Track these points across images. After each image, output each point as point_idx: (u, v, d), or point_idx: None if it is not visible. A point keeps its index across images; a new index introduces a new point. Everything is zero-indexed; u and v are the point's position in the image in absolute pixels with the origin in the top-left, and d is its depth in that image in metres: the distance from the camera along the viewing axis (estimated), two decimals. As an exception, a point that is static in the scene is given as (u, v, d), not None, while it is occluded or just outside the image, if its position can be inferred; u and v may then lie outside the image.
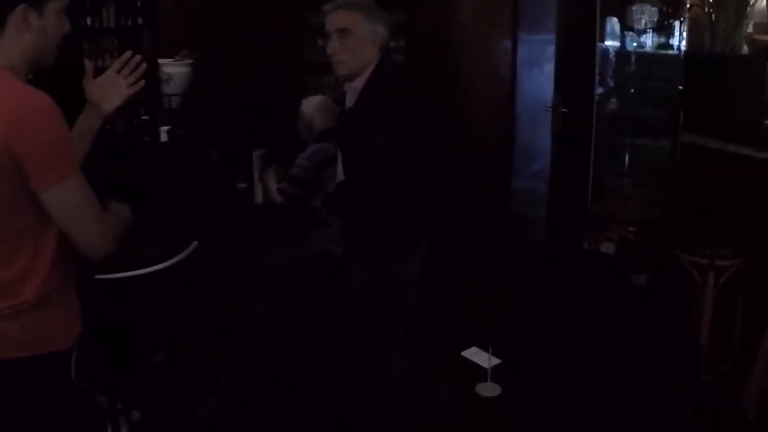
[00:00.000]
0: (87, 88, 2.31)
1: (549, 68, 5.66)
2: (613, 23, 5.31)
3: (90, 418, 2.32)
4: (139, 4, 5.40)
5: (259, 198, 4.41)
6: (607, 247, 4.72)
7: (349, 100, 3.48)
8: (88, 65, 2.33)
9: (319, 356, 3.74)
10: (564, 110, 5.23)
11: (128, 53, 2.36)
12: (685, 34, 5.05)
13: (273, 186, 4.03)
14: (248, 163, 4.48)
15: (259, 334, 4.34)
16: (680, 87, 4.98)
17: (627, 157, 5.49)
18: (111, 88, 2.33)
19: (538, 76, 5.84)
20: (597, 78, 5.27)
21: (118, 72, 2.34)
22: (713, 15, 4.71)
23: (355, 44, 3.34)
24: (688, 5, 4.92)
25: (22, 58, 2.05)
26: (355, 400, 3.45)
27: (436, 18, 5.66)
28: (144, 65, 2.37)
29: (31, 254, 2.06)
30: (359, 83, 3.40)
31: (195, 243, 3.80)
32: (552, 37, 5.51)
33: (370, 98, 3.34)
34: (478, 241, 5.27)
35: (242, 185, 4.56)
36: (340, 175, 3.53)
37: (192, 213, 4.24)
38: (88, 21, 5.20)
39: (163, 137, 5.37)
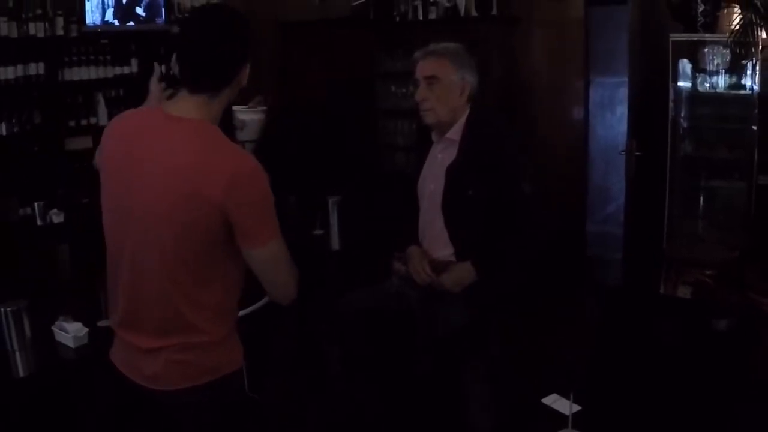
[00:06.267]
0: None
1: (621, 110, 5.68)
2: (685, 65, 5.30)
3: (260, 423, 2.41)
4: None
5: (335, 245, 4.45)
6: (684, 290, 4.68)
7: (442, 150, 3.48)
8: None
9: (397, 398, 3.76)
10: (638, 153, 5.21)
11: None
12: (758, 75, 5.02)
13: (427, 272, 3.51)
14: (324, 209, 4.52)
15: (336, 377, 4.36)
16: (754, 128, 4.96)
17: (702, 200, 5.45)
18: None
19: (610, 118, 5.84)
20: (670, 120, 5.26)
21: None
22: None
23: (442, 92, 3.36)
24: (761, 46, 4.89)
25: (221, 111, 2.15)
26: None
27: (508, 61, 5.70)
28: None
29: (222, 296, 2.17)
30: (455, 135, 3.41)
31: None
32: (623, 79, 5.53)
33: (474, 153, 3.35)
34: (553, 284, 5.24)
35: (319, 232, 4.61)
36: None
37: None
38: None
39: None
